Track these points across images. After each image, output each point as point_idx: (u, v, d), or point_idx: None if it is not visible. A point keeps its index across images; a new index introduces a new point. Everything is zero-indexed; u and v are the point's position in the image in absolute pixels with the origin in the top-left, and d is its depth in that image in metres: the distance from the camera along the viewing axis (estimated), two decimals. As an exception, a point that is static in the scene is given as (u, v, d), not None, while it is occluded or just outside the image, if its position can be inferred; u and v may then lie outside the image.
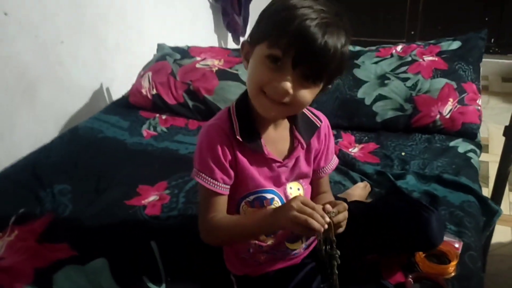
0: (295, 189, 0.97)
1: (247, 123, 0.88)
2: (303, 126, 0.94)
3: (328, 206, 0.79)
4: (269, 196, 0.92)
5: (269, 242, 0.95)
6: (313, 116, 0.97)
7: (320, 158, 0.99)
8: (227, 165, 0.88)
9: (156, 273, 1.06)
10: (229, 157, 0.88)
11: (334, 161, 1.03)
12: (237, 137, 0.86)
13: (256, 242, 0.94)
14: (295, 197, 0.79)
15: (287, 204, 0.78)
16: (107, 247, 1.13)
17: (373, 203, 1.19)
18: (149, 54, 2.18)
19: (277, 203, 0.93)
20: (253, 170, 0.90)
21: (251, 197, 0.92)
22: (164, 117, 1.83)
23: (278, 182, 0.94)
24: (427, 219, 0.94)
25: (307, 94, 0.81)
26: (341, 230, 0.80)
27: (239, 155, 0.88)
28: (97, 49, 2.13)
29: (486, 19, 3.07)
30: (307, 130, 0.94)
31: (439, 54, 1.73)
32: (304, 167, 0.96)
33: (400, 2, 3.25)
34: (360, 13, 3.34)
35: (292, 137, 0.94)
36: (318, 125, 0.95)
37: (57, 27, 1.89)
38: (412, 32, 3.28)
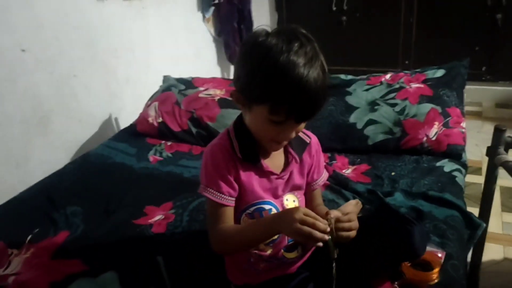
0: (291, 201, 1.07)
1: (246, 144, 0.99)
2: (295, 143, 1.05)
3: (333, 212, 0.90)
4: (267, 207, 1.02)
5: (269, 251, 1.04)
6: (303, 134, 1.08)
7: (313, 172, 1.10)
8: (232, 179, 0.98)
9: (162, 284, 1.15)
10: (233, 172, 0.98)
11: (325, 174, 1.14)
12: (238, 155, 0.97)
13: (257, 251, 1.03)
14: (297, 208, 0.87)
15: (290, 215, 0.86)
16: (117, 262, 1.22)
17: (363, 218, 1.27)
18: (156, 85, 2.31)
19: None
20: (254, 183, 1.00)
21: (251, 209, 1.02)
22: (169, 143, 1.94)
23: (276, 194, 1.04)
24: (410, 232, 1.02)
25: (303, 125, 0.95)
26: (352, 234, 0.91)
27: (241, 171, 0.99)
28: (107, 81, 2.27)
29: (477, 48, 3.20)
30: (299, 146, 1.05)
31: (424, 81, 1.85)
32: (298, 179, 1.06)
33: (393, 33, 3.39)
34: (355, 44, 3.51)
35: (286, 153, 1.05)
36: (308, 142, 1.07)
37: (71, 62, 2.04)
38: (406, 62, 3.42)
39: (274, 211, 1.03)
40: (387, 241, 1.04)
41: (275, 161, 1.03)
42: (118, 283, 1.15)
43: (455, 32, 3.23)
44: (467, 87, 3.28)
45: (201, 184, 1.00)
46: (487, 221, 1.63)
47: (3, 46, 1.73)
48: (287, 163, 1.04)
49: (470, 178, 2.22)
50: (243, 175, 0.99)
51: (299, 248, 1.08)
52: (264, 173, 1.01)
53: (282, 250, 1.05)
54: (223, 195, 0.97)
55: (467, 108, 3.24)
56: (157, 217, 1.42)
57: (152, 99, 2.12)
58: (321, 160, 1.12)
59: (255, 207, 1.02)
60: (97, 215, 1.46)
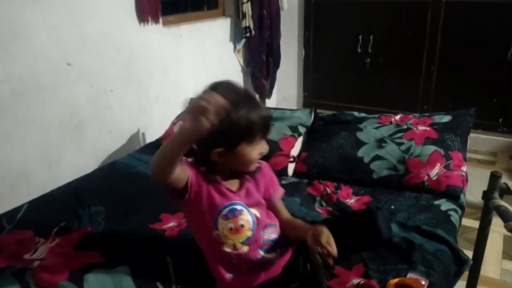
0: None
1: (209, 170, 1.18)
2: None
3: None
4: (238, 207, 1.16)
5: (245, 249, 1.16)
6: None
7: (269, 188, 1.26)
8: (194, 179, 1.15)
9: (168, 281, 1.27)
10: (201, 180, 1.15)
11: (281, 190, 1.31)
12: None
13: (234, 251, 1.16)
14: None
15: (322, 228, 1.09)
16: (131, 258, 1.35)
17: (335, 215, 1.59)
18: (183, 106, 2.49)
19: (246, 213, 1.17)
20: (221, 189, 1.16)
21: (225, 210, 1.15)
22: (189, 159, 2.09)
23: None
24: (372, 213, 1.30)
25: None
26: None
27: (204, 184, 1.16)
28: (140, 98, 2.46)
29: (495, 100, 3.29)
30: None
31: (431, 125, 1.96)
32: (256, 196, 1.21)
33: (414, 79, 3.51)
34: (377, 86, 3.65)
35: (242, 178, 1.21)
36: (259, 165, 1.23)
37: (109, 78, 2.24)
38: (425, 107, 3.53)
39: (245, 210, 1.17)
40: (353, 226, 1.29)
41: (233, 184, 1.20)
42: (130, 276, 1.28)
43: (475, 83, 3.31)
44: (482, 136, 3.36)
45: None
46: (479, 263, 1.70)
47: (52, 59, 1.95)
48: (242, 183, 1.21)
49: (474, 223, 2.28)
50: (205, 187, 1.15)
51: (277, 250, 1.21)
52: (223, 192, 1.16)
53: (260, 251, 1.18)
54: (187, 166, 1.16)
55: (481, 157, 3.33)
56: (171, 224, 1.55)
57: (178, 118, 2.30)
58: (274, 178, 1.30)
59: (228, 208, 1.16)
60: (117, 216, 1.61)
